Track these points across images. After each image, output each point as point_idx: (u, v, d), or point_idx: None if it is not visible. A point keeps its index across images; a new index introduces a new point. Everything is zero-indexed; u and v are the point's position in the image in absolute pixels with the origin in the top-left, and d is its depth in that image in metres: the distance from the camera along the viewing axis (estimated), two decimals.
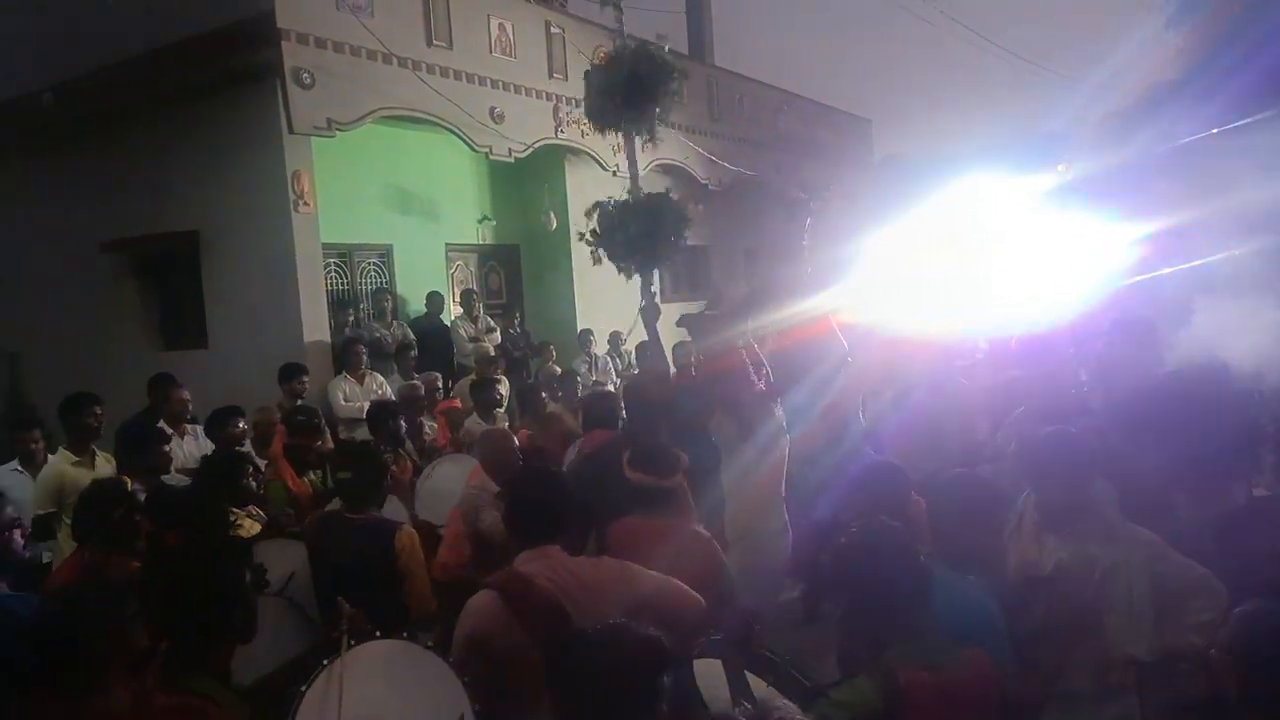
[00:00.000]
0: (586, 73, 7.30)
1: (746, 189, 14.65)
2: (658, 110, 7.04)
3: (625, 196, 7.21)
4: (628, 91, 6.82)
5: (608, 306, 11.93)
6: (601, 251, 7.11)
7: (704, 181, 13.50)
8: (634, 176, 7.47)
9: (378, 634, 2.68)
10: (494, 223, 11.99)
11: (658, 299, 7.57)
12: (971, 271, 6.75)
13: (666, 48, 7.46)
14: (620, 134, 7.38)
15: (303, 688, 2.44)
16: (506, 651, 2.65)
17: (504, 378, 8.32)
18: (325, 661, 2.51)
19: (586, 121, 10.93)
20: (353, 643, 2.59)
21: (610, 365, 10.75)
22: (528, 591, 2.68)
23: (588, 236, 7.16)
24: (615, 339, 11.07)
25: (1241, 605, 2.05)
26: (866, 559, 2.14)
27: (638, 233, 6.89)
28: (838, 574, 2.24)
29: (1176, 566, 2.79)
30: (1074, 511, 2.82)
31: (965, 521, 2.61)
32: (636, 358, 10.12)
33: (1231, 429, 3.91)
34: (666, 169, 12.57)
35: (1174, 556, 2.82)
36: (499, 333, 10.38)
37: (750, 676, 2.28)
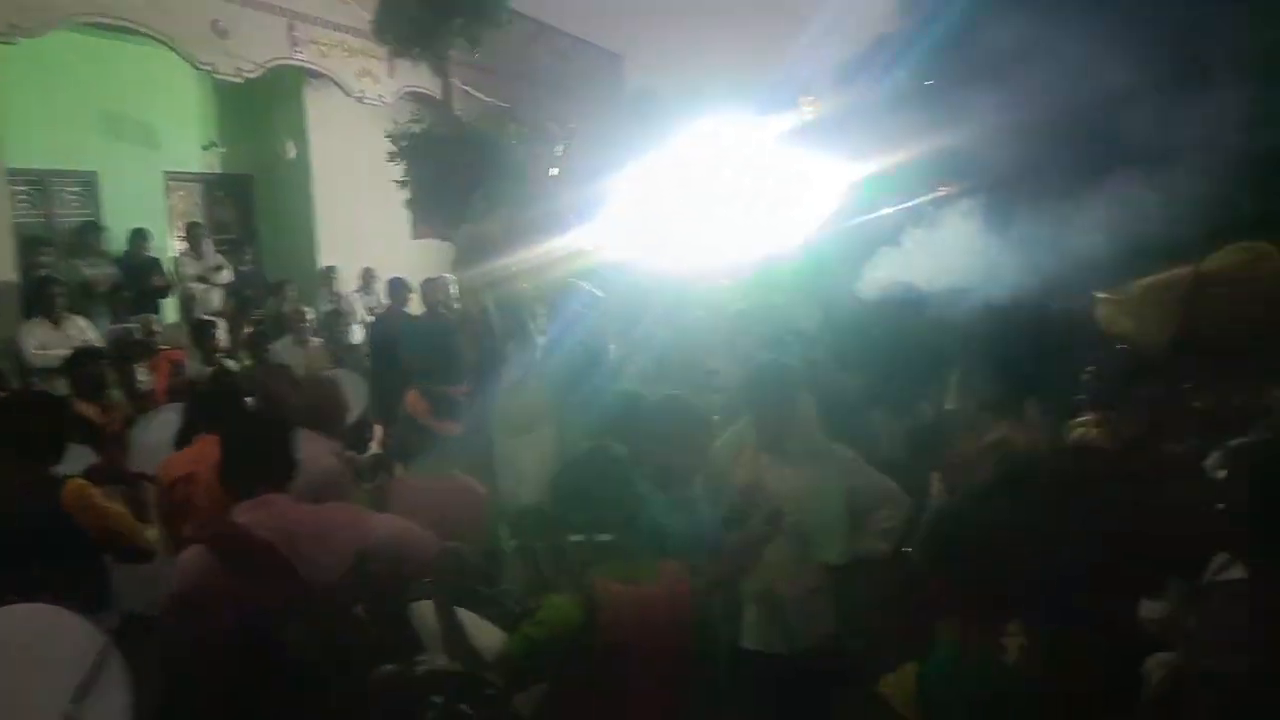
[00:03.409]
0: None
1: (498, 123, 14.35)
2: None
3: (428, 125, 6.45)
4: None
5: (355, 241, 11.33)
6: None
7: (457, 113, 13.06)
8: (448, 100, 6.75)
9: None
10: (223, 150, 10.95)
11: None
12: (716, 210, 7.04)
13: None
14: (423, 52, 6.55)
15: None
16: (220, 606, 2.50)
17: (220, 319, 7.73)
18: None
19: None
20: None
21: (359, 304, 10.26)
22: (241, 542, 2.52)
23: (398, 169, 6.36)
24: (368, 275, 10.56)
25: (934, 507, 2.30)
26: (585, 482, 2.20)
27: (459, 175, 6.22)
28: (560, 495, 2.30)
29: (868, 480, 3.11)
30: (784, 433, 3.05)
31: (669, 442, 2.76)
32: (389, 294, 9.73)
33: (922, 352, 4.40)
34: (416, 98, 12.02)
35: (867, 471, 3.14)
36: (229, 270, 9.58)
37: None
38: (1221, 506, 2.07)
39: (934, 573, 2.13)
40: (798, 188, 7.16)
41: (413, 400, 3.41)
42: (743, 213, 6.93)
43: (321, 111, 11.21)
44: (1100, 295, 3.52)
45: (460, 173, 6.33)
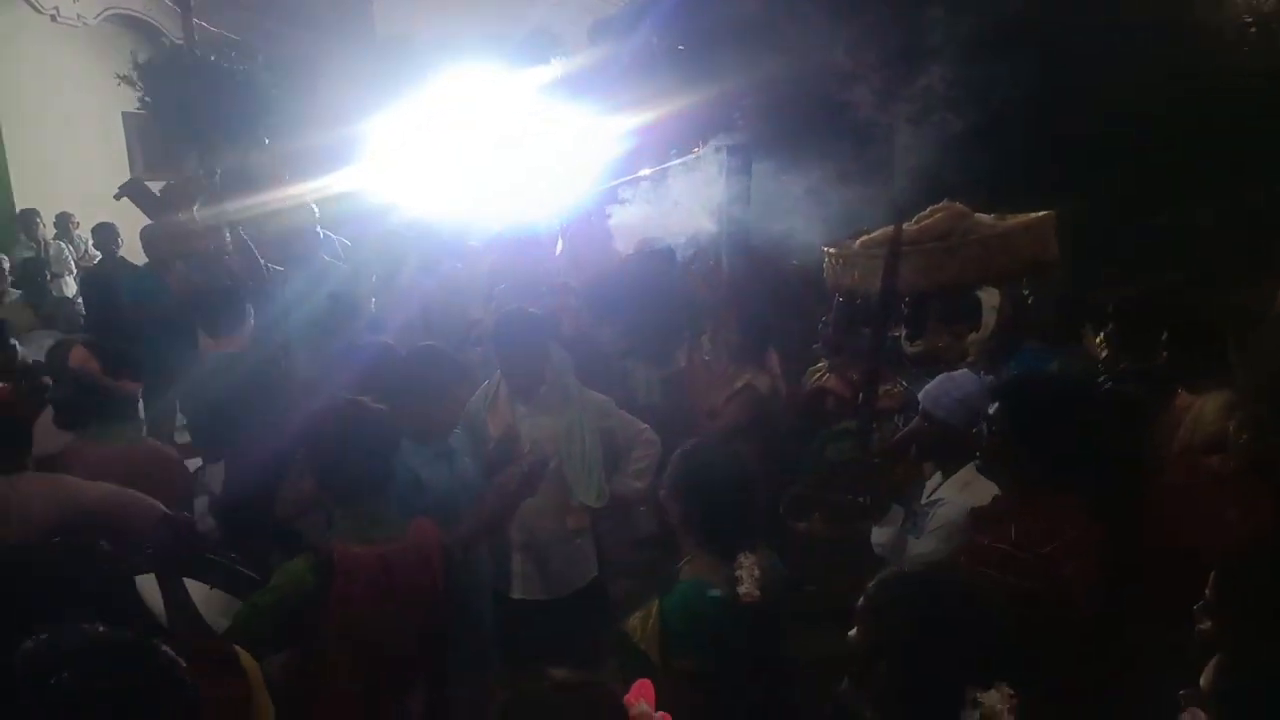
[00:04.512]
0: None
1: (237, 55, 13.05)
2: None
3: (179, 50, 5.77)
4: None
5: (60, 183, 9.91)
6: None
7: (178, 42, 11.71)
8: (189, 29, 6.02)
9: None
10: None
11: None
12: (474, 161, 6.86)
13: None
14: None
15: None
16: None
17: None
18: None
19: None
20: None
21: (67, 253, 9.02)
22: None
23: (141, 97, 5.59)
24: (64, 221, 9.29)
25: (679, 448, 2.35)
26: (338, 439, 2.08)
27: (201, 106, 5.54)
28: (311, 454, 2.18)
29: (621, 423, 3.18)
30: (536, 381, 3.05)
31: (425, 394, 2.70)
32: (95, 243, 8.63)
33: (674, 305, 4.57)
34: (126, 21, 10.64)
35: (619, 414, 3.22)
36: None
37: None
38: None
39: (678, 510, 2.18)
40: (554, 141, 7.15)
41: (78, 356, 3.01)
42: (501, 163, 6.80)
43: (6, 29, 9.63)
44: (827, 250, 3.80)
45: (204, 107, 5.78)
